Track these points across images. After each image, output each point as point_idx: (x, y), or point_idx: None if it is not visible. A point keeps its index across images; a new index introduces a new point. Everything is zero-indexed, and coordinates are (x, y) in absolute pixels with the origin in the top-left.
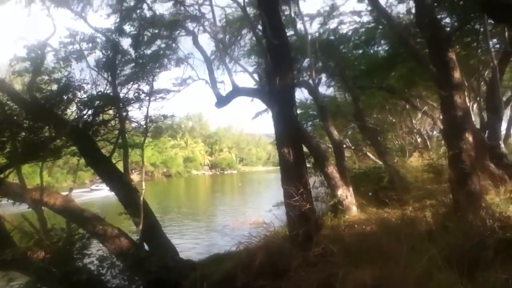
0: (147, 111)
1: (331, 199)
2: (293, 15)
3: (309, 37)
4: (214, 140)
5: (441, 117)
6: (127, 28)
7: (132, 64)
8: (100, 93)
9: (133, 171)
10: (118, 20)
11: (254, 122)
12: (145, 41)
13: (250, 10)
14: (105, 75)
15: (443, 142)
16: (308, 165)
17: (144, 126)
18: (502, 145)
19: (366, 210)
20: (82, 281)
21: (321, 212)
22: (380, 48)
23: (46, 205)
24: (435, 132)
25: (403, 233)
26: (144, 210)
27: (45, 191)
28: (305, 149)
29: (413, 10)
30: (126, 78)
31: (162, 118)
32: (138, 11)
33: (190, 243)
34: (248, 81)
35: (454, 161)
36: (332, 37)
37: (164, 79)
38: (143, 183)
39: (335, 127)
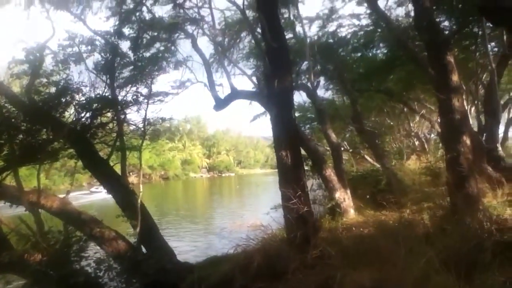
0: (145, 113)
1: (329, 201)
2: (292, 18)
3: (308, 40)
4: (212, 142)
5: (439, 120)
6: (126, 30)
7: (131, 67)
8: (98, 95)
9: (130, 173)
10: (117, 22)
11: (252, 124)
12: (144, 44)
13: (249, 13)
14: (104, 77)
15: (440, 145)
16: (306, 167)
17: (142, 129)
18: (500, 148)
19: (364, 213)
20: (79, 283)
21: (319, 215)
22: (378, 51)
23: (43, 208)
24: (433, 135)
25: (401, 235)
26: (142, 212)
27: (42, 193)
28: (303, 152)
29: (412, 13)
30: (124, 80)
31: (160, 120)
32: (137, 14)
33: (187, 246)
34: (246, 84)
35: (452, 164)
36: (331, 40)
37: (162, 81)
38: (141, 185)
39: (333, 130)
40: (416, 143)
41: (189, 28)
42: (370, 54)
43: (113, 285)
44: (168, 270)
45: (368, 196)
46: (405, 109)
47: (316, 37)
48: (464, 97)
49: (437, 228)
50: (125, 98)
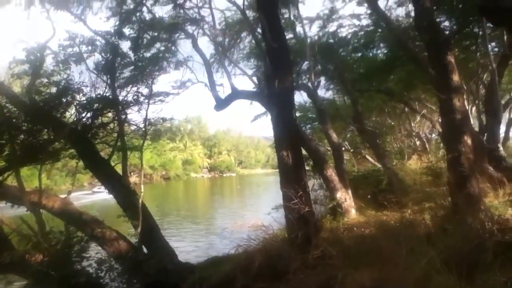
0: (146, 114)
1: (330, 201)
2: (292, 18)
3: (308, 40)
4: (213, 142)
5: (440, 120)
6: (127, 31)
7: (132, 67)
8: (99, 95)
9: (132, 173)
10: (117, 23)
11: (253, 125)
12: (144, 44)
13: (250, 13)
14: (104, 78)
15: (442, 145)
16: (307, 168)
17: (143, 129)
18: (501, 148)
19: (365, 213)
20: (80, 284)
21: (320, 215)
22: (379, 51)
23: (45, 208)
24: (434, 135)
25: (402, 235)
26: (143, 212)
27: (43, 193)
28: (304, 152)
29: (412, 13)
30: (125, 81)
31: (161, 121)
32: (137, 14)
33: (189, 246)
34: (247, 84)
35: (453, 164)
36: (331, 40)
37: (163, 82)
38: (142, 185)
39: (334, 130)
40: (417, 143)
41: (190, 28)
42: (371, 54)
43: (115, 286)
44: (169, 271)
45: (369, 196)
46: (406, 109)
47: (316, 37)
48: (465, 97)
49: (439, 228)
50: (126, 98)
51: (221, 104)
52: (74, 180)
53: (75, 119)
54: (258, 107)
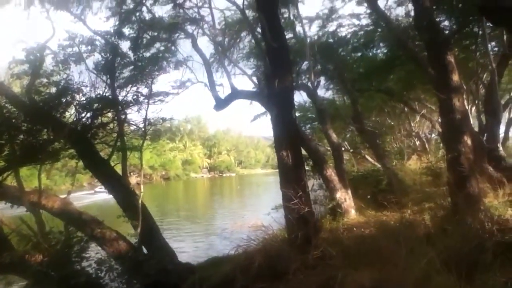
0: (146, 114)
1: (329, 202)
2: (292, 18)
3: (308, 40)
4: (213, 142)
5: (439, 120)
6: (126, 31)
7: (131, 67)
8: (99, 95)
9: (131, 173)
10: (117, 23)
11: (253, 124)
12: (144, 44)
13: (249, 13)
14: (104, 77)
15: (441, 145)
16: (306, 168)
17: (143, 129)
18: (501, 148)
19: (365, 213)
20: (80, 284)
21: (320, 215)
22: (379, 51)
23: (44, 208)
24: (433, 135)
25: (402, 236)
26: (143, 213)
27: (43, 193)
28: (303, 152)
29: (412, 13)
30: (125, 80)
31: (161, 121)
32: (137, 14)
33: (188, 247)
34: (247, 83)
35: (453, 164)
36: (331, 40)
37: (163, 81)
38: (142, 186)
39: (334, 130)
40: (417, 143)
41: (189, 28)
42: (370, 54)
43: (114, 286)
44: (169, 271)
45: (369, 196)
46: (406, 109)
47: (316, 37)
48: (464, 97)
49: (438, 228)
50: (125, 98)
51: (221, 104)
52: (74, 180)
53: (74, 119)
54: (258, 107)
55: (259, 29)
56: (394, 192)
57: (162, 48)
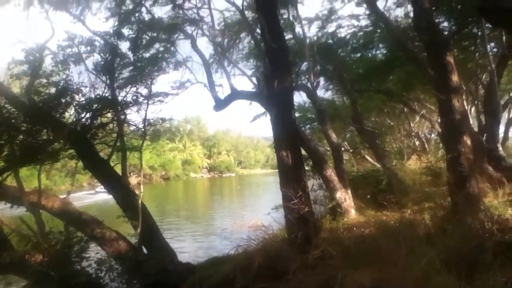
0: (146, 114)
1: (329, 202)
2: (291, 18)
3: (308, 40)
4: (213, 143)
5: (439, 120)
6: (126, 31)
7: (131, 68)
8: (98, 96)
9: (131, 174)
10: (116, 23)
11: (253, 125)
12: (143, 45)
13: (249, 14)
14: (104, 78)
15: (441, 145)
16: (306, 168)
17: (143, 129)
18: (500, 148)
19: (365, 213)
20: (80, 284)
21: (320, 215)
22: (378, 52)
23: (44, 208)
24: (433, 135)
25: (402, 235)
26: (142, 213)
27: (43, 194)
28: (303, 152)
29: (411, 14)
30: (124, 81)
31: (161, 121)
32: (136, 15)
33: (188, 247)
34: (246, 84)
35: (453, 164)
36: (330, 41)
37: (162, 82)
38: (141, 186)
39: (334, 130)
40: (417, 143)
41: (189, 29)
42: (370, 55)
43: (114, 286)
44: (169, 271)
45: (369, 196)
46: (405, 109)
47: (315, 38)
48: (464, 97)
49: (438, 228)
50: (125, 99)
51: (221, 104)
52: (74, 180)
53: (74, 119)
54: (257, 107)
55: (258, 30)
56: (394, 192)
57: (161, 48)
